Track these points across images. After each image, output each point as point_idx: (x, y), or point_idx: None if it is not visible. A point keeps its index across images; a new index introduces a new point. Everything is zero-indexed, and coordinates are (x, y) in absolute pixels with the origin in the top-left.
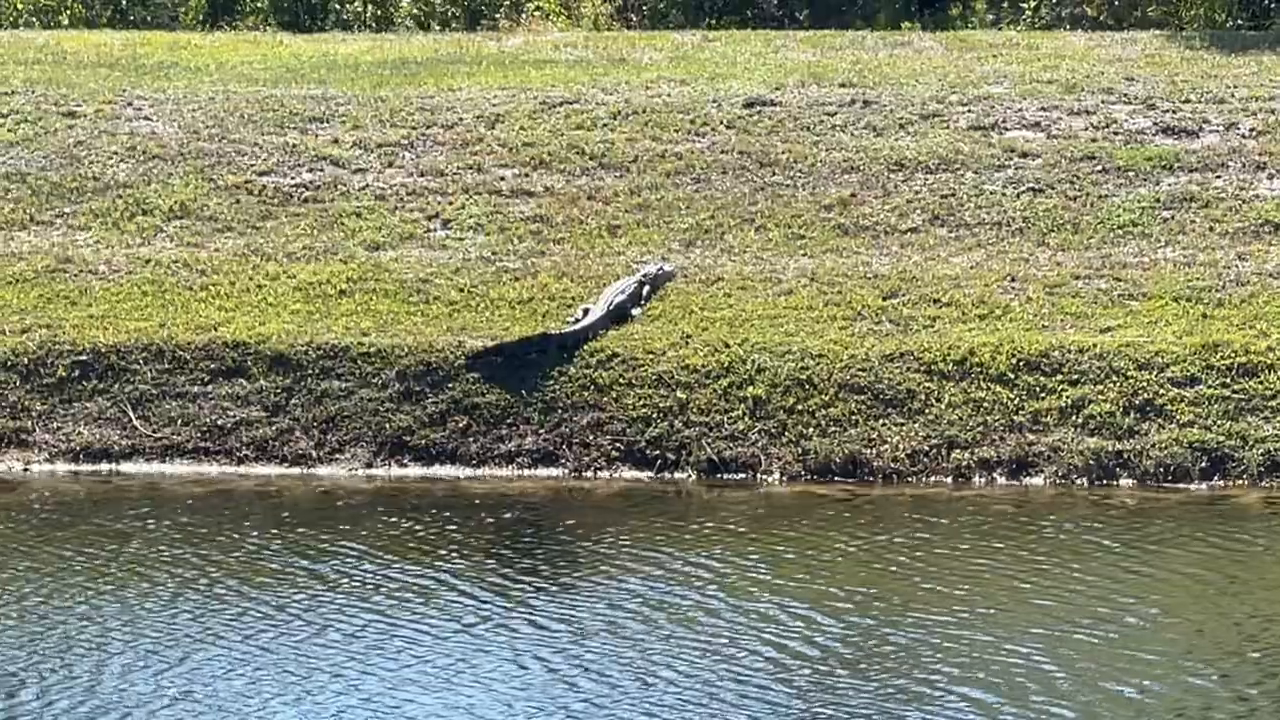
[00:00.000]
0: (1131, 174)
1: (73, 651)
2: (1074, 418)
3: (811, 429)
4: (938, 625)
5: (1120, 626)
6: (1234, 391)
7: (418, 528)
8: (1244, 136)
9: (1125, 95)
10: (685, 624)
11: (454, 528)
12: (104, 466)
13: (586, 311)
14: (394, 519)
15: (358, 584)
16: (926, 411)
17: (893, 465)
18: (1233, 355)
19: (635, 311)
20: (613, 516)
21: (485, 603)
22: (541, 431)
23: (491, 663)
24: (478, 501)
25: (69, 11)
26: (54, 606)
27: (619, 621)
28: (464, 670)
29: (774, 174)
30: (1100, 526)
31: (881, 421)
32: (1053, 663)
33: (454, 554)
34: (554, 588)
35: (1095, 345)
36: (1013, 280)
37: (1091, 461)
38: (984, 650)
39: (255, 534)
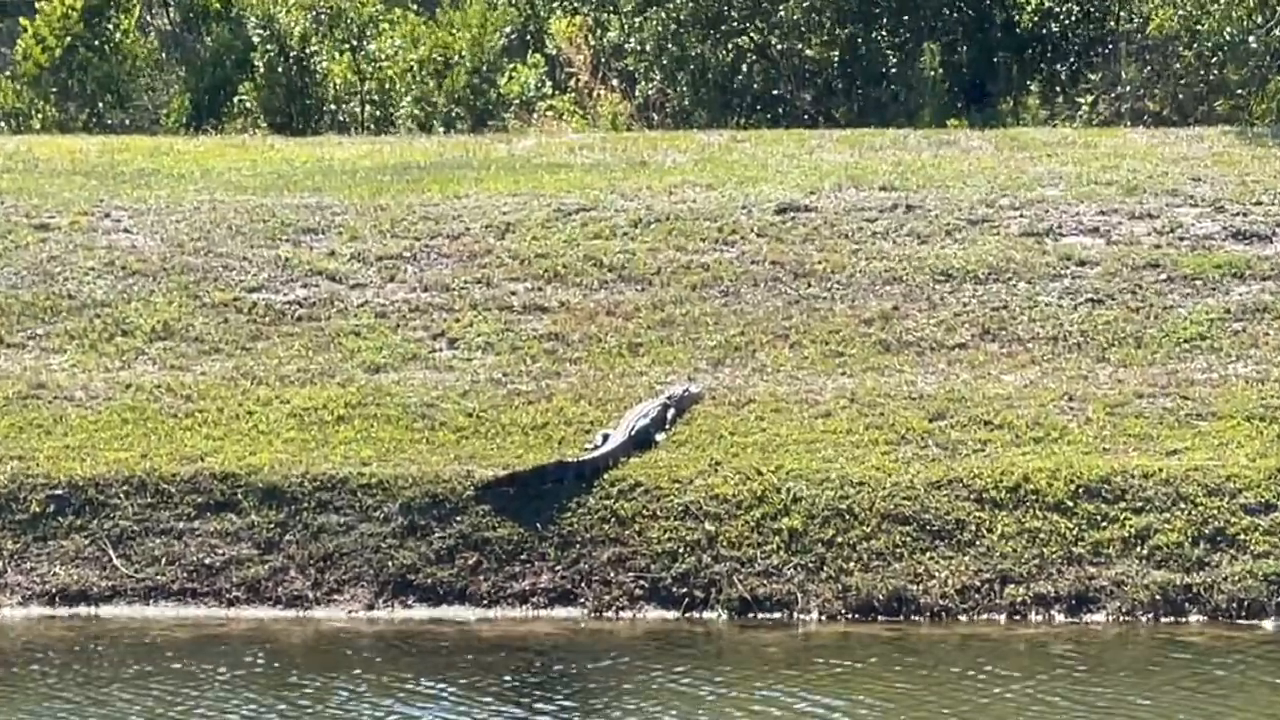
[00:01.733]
0: (1199, 283)
1: None
2: (1138, 549)
3: (852, 563)
4: None
5: None
6: None
7: (424, 676)
8: None
9: (1192, 197)
10: None
11: (463, 675)
12: (82, 609)
13: (606, 437)
14: (398, 666)
15: None
16: (977, 543)
17: (941, 602)
18: None
19: (659, 437)
20: (637, 661)
21: None
22: (558, 568)
23: None
24: (489, 645)
25: (41, 115)
26: None
27: None
28: None
29: (809, 286)
30: (1168, 668)
31: (929, 555)
32: None
33: (464, 704)
34: None
35: (1161, 470)
36: (1070, 400)
37: (1158, 596)
38: None
39: (245, 683)
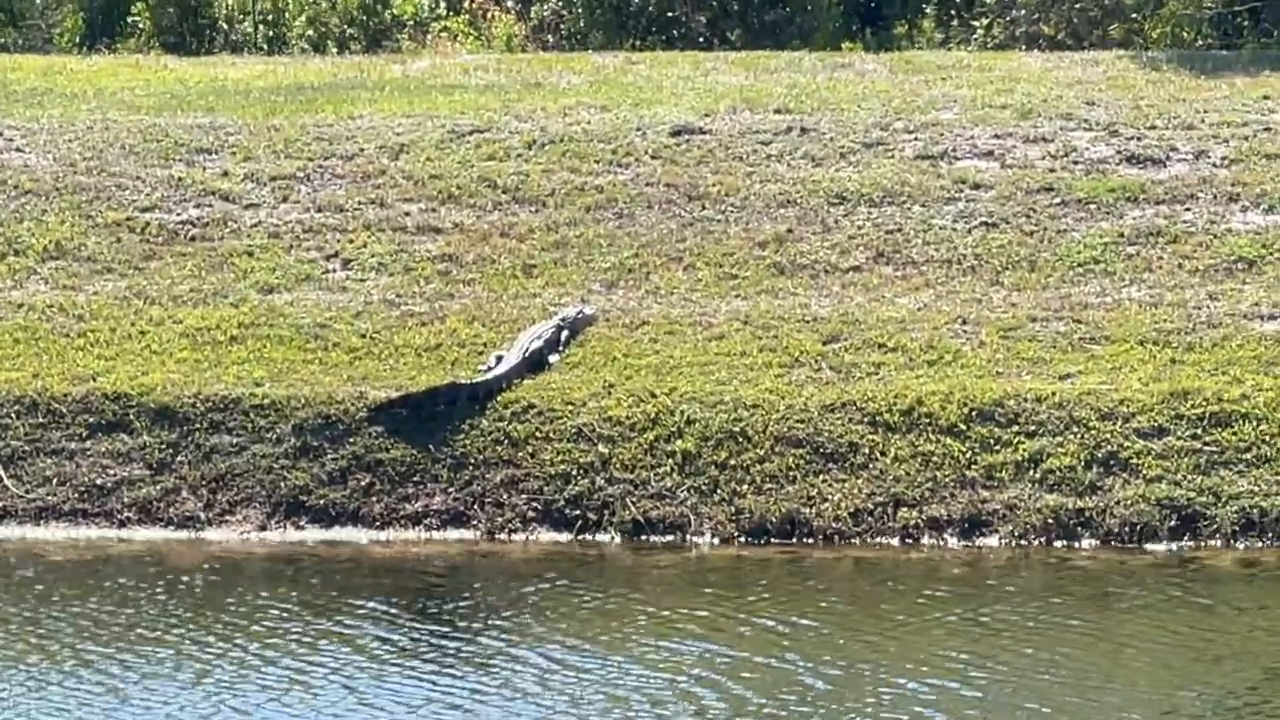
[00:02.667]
0: (1093, 207)
1: None
2: (1031, 473)
3: (745, 486)
4: (873, 705)
5: (1077, 704)
6: (1205, 443)
7: (314, 596)
8: (1215, 165)
9: (1086, 121)
10: (603, 704)
11: (354, 596)
12: None
13: (500, 359)
14: (289, 587)
15: (248, 661)
16: (871, 466)
17: (834, 525)
18: (1204, 404)
19: (553, 359)
20: (529, 583)
21: (383, 680)
22: (451, 490)
23: None
24: (383, 567)
25: None
26: None
27: (532, 702)
28: None
29: (704, 208)
30: (1059, 591)
31: (822, 478)
32: None
33: (354, 625)
34: (460, 661)
35: (1054, 394)
36: (964, 323)
37: (1050, 520)
38: None
39: (134, 603)
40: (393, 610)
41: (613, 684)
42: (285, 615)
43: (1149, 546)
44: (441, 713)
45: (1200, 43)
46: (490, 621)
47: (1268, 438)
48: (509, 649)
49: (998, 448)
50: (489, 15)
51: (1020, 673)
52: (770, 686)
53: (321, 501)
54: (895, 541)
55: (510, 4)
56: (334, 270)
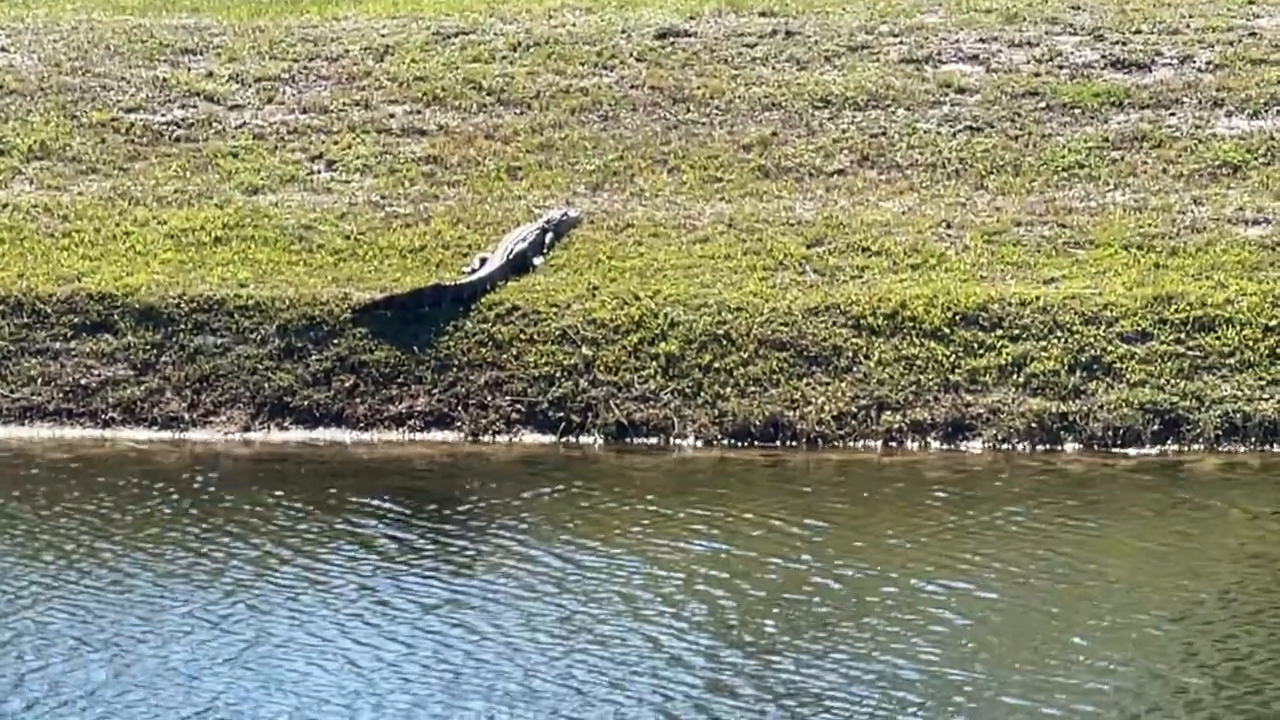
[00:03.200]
0: (1077, 111)
1: None
2: (1015, 377)
3: (729, 389)
4: (849, 606)
5: (1055, 607)
6: (1188, 348)
7: (296, 497)
8: (1200, 70)
9: (1071, 25)
10: (579, 605)
11: (337, 496)
12: None
13: (484, 261)
14: (271, 487)
15: (232, 561)
16: (854, 370)
17: (817, 428)
18: (1187, 308)
19: (537, 261)
20: (512, 485)
21: (364, 580)
22: (435, 392)
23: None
24: (366, 468)
25: None
26: None
27: (508, 603)
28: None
29: (688, 111)
30: (1043, 495)
31: (805, 381)
32: (974, 644)
33: (336, 526)
34: (439, 564)
35: (1038, 298)
36: (948, 227)
37: (1034, 424)
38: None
39: (116, 504)
40: (386, 510)
41: (621, 582)
42: (278, 515)
43: (1132, 450)
44: (457, 613)
45: None
46: (487, 522)
47: (1250, 342)
48: (513, 549)
49: (981, 352)
50: None
51: (996, 557)
52: (775, 586)
53: (305, 403)
54: (878, 445)
55: None
56: (319, 172)
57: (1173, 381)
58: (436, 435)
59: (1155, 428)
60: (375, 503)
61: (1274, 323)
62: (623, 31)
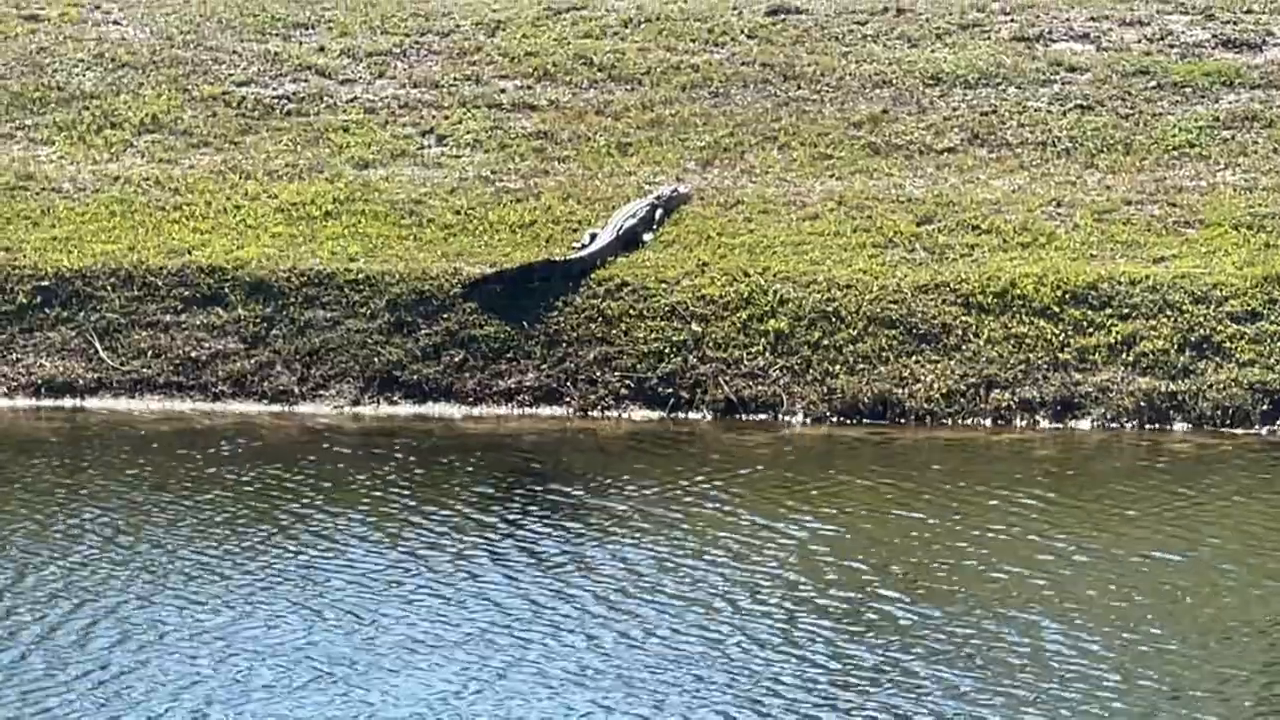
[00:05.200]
0: (1188, 90)
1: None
2: (1124, 355)
3: (838, 366)
4: (960, 586)
5: (1165, 590)
6: None
7: (408, 472)
8: None
9: (1182, 4)
10: (690, 580)
11: (448, 471)
12: (67, 402)
13: (594, 236)
14: (382, 462)
15: (341, 536)
16: (963, 348)
17: (926, 406)
18: None
19: (647, 237)
20: (621, 461)
21: (475, 556)
22: (544, 367)
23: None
24: (475, 443)
25: None
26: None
27: (619, 580)
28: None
29: (799, 88)
30: (1151, 475)
31: (914, 358)
32: (1088, 629)
33: (449, 500)
34: (552, 539)
35: (1148, 277)
36: (1058, 205)
37: (1142, 403)
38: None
39: (230, 477)
40: (488, 484)
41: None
42: (386, 489)
43: (1240, 430)
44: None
45: None
46: (584, 496)
47: None
48: (596, 529)
49: (1091, 330)
50: None
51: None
52: (839, 552)
53: (414, 377)
54: (987, 423)
55: None
56: (429, 146)
57: None
58: (545, 410)
59: (1264, 408)
60: (485, 477)
61: None
62: (734, 8)
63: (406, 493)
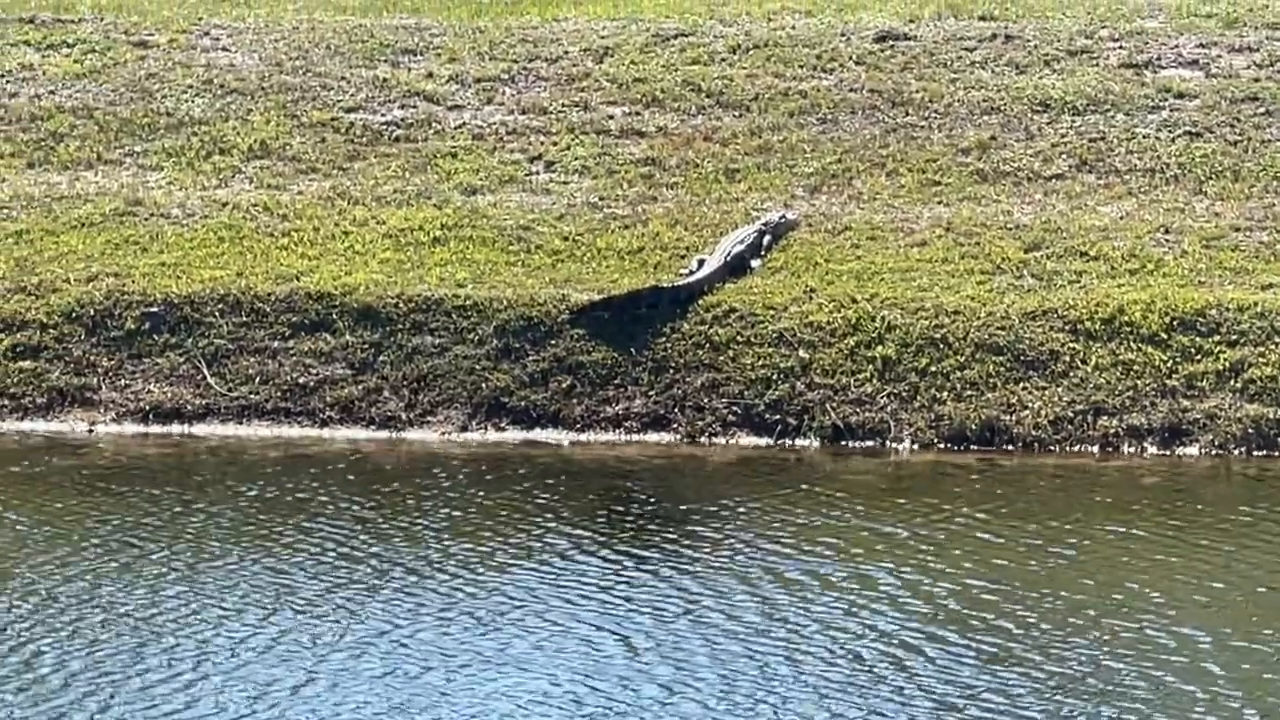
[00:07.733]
0: None
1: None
2: (1233, 382)
3: (945, 393)
4: (1070, 613)
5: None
6: None
7: (517, 498)
8: None
9: None
10: (802, 605)
11: (557, 497)
12: (175, 428)
13: (701, 263)
14: (492, 488)
15: (454, 561)
16: (1071, 374)
17: (1034, 433)
18: None
19: (755, 263)
20: (730, 487)
21: (590, 581)
22: (651, 393)
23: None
24: (583, 469)
25: None
26: (114, 583)
27: (734, 601)
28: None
29: (907, 114)
30: (1261, 502)
31: (1022, 385)
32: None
33: (559, 526)
34: (664, 564)
35: (1256, 303)
36: (1167, 232)
37: (1251, 430)
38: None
39: (340, 502)
40: (596, 510)
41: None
42: (496, 514)
43: None
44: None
45: None
46: (693, 523)
47: None
48: (706, 553)
49: (1199, 357)
50: None
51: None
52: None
53: (522, 403)
54: (1095, 450)
55: None
56: (537, 172)
57: None
58: (652, 437)
59: None
60: (595, 504)
61: None
62: (842, 34)
63: (520, 517)
